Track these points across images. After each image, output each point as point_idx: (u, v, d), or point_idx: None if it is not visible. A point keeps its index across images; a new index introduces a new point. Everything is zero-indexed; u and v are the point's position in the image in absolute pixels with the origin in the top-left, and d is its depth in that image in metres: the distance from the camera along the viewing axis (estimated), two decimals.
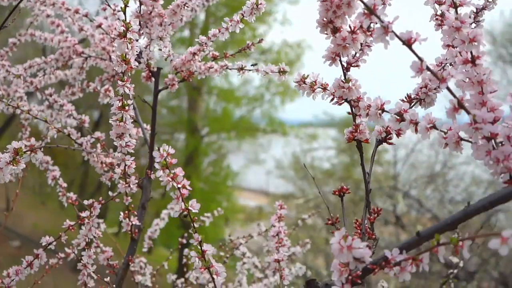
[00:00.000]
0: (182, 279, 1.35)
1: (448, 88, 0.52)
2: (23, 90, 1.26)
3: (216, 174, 11.86)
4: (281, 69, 0.83)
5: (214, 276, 0.64)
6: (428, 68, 0.51)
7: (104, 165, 1.02)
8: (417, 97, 0.69)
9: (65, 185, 1.10)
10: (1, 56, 1.24)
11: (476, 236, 0.44)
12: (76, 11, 1.11)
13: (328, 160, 10.02)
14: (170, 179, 0.62)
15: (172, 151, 0.62)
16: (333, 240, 0.50)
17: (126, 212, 0.96)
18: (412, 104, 0.69)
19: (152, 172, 0.97)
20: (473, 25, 0.73)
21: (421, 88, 0.69)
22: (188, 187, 0.63)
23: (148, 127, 1.11)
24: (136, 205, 1.01)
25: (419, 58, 0.51)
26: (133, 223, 0.98)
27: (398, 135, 0.67)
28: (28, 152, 0.67)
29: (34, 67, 1.19)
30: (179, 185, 0.62)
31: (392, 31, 0.50)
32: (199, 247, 0.65)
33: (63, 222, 0.93)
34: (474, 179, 7.20)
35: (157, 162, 0.61)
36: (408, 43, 0.51)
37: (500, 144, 0.52)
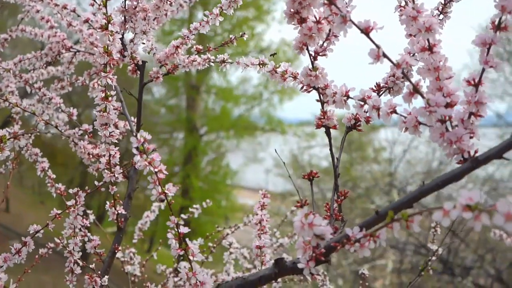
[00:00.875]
0: (171, 269, 1.38)
1: (404, 74, 0.55)
2: (14, 85, 1.29)
3: (215, 173, 11.89)
4: (261, 62, 0.86)
5: (191, 257, 0.67)
6: (384, 55, 0.54)
7: (91, 156, 1.05)
8: (386, 85, 0.72)
9: (53, 176, 1.13)
10: None
11: (423, 210, 0.47)
12: (64, 7, 1.14)
13: (326, 158, 10.06)
14: (147, 164, 0.65)
15: (149, 137, 0.65)
16: (296, 218, 0.53)
17: (112, 201, 0.99)
18: (381, 92, 0.72)
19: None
20: (441, 16, 0.76)
21: (389, 77, 0.72)
22: (165, 172, 0.66)
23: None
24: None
25: (376, 46, 0.54)
26: (119, 212, 1.00)
27: (367, 122, 0.70)
28: (12, 139, 0.71)
29: (24, 61, 1.22)
30: (156, 170, 0.65)
31: (350, 20, 0.53)
32: (176, 229, 0.68)
33: (62, 221, 0.96)
34: (469, 176, 7.24)
35: (135, 148, 0.64)
36: (366, 31, 0.54)
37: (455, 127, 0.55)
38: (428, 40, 0.57)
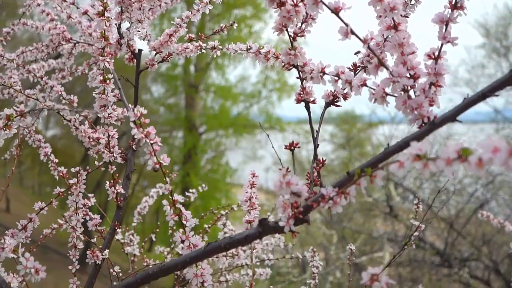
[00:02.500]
0: (168, 249, 1.44)
1: (369, 48, 0.61)
2: (17, 77, 1.35)
3: (214, 171, 11.95)
4: (248, 47, 0.93)
5: (184, 222, 0.74)
6: (352, 32, 0.60)
7: (91, 140, 1.11)
8: (362, 64, 0.78)
9: (56, 160, 1.19)
10: None
11: (383, 165, 0.53)
12: (64, 0, 1.20)
13: (326, 155, 10.13)
14: (144, 136, 0.71)
15: (144, 111, 0.71)
16: (275, 178, 0.60)
17: (112, 181, 1.06)
18: (358, 71, 0.79)
19: (134, 143, 1.06)
20: (413, 1, 0.83)
21: (364, 57, 0.78)
22: (159, 143, 0.72)
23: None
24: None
25: (345, 24, 0.60)
26: (118, 191, 1.07)
27: (344, 98, 0.77)
28: (18, 117, 0.77)
29: (26, 53, 1.28)
30: (152, 141, 0.72)
31: (321, 1, 0.60)
32: (170, 197, 0.74)
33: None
34: (466, 171, 7.31)
35: (132, 121, 0.71)
36: (336, 11, 0.60)
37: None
38: (393, 19, 0.63)
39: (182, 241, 0.74)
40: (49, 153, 1.22)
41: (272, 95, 12.38)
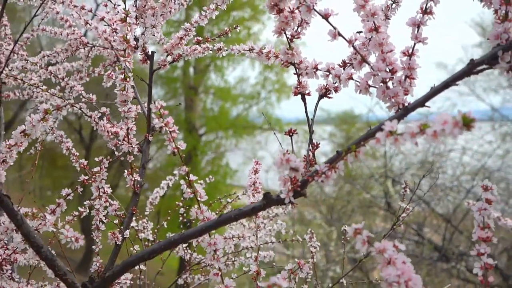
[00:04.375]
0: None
1: (354, 48, 0.73)
2: (37, 78, 1.48)
3: (215, 172, 12.04)
4: (251, 48, 1.05)
5: (198, 198, 0.86)
6: (339, 34, 0.73)
7: (109, 134, 1.23)
8: (350, 62, 0.90)
9: (77, 154, 1.32)
10: (18, 49, 1.46)
11: (364, 141, 0.65)
12: (82, 8, 1.32)
13: (326, 154, 10.24)
14: (164, 125, 0.84)
15: (164, 104, 0.84)
16: (276, 157, 0.72)
17: (130, 169, 1.18)
18: (347, 67, 0.91)
19: (151, 135, 1.18)
20: (394, 5, 0.95)
21: (352, 55, 0.90)
22: (177, 131, 0.84)
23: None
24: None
25: (333, 27, 0.73)
26: (136, 179, 1.19)
27: (335, 91, 0.89)
28: (55, 111, 0.89)
29: (47, 57, 1.41)
30: (171, 130, 0.84)
31: (313, 9, 0.72)
32: (186, 177, 0.87)
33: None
34: (464, 167, 7.45)
35: (153, 112, 0.83)
36: (326, 17, 0.72)
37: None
38: (374, 22, 0.75)
39: (197, 215, 0.86)
40: (70, 147, 1.34)
41: (271, 96, 12.52)
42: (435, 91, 0.68)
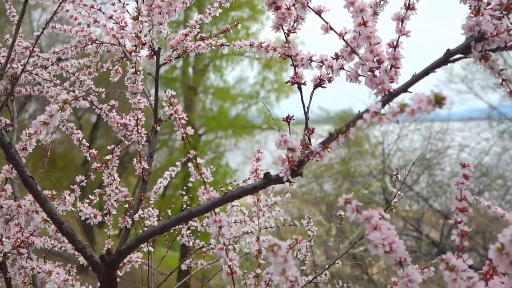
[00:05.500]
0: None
1: (344, 40, 0.82)
2: (47, 74, 1.56)
3: (214, 172, 12.13)
4: (251, 43, 1.13)
5: (205, 179, 0.94)
6: (331, 28, 0.81)
7: (119, 125, 1.32)
8: (342, 54, 0.98)
9: (87, 144, 1.40)
10: (30, 46, 1.54)
11: (353, 123, 0.73)
12: (92, 6, 1.40)
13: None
14: (173, 112, 0.92)
15: (174, 93, 0.92)
16: (275, 138, 0.80)
17: (139, 158, 1.26)
18: (339, 58, 0.99)
19: (158, 125, 1.26)
20: (382, 2, 1.03)
21: (344, 47, 0.98)
22: (185, 118, 0.93)
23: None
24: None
25: (326, 22, 0.81)
26: (144, 167, 1.27)
27: (329, 81, 0.97)
28: (74, 100, 0.97)
29: (57, 53, 1.49)
30: (180, 116, 0.92)
31: (308, 6, 0.80)
32: (194, 160, 0.95)
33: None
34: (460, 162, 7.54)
35: (164, 100, 0.91)
36: (319, 13, 0.81)
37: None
38: (362, 17, 0.83)
39: (203, 195, 0.94)
40: (81, 138, 1.42)
41: (270, 96, 12.61)
42: (416, 78, 0.77)
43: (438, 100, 0.58)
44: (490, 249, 0.59)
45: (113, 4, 1.39)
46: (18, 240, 1.17)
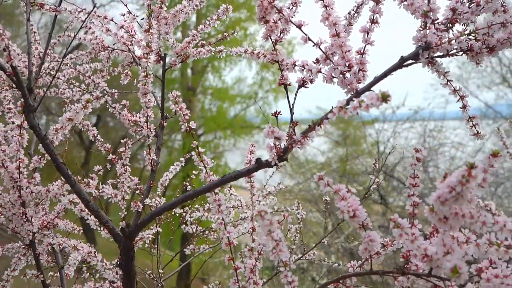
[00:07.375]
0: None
1: (320, 49, 1.00)
2: (64, 77, 1.74)
3: (214, 172, 12.28)
4: (246, 50, 1.31)
5: (206, 165, 1.12)
6: (309, 39, 0.99)
7: (130, 121, 1.50)
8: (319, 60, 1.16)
9: (102, 139, 1.58)
10: (49, 51, 1.72)
11: (326, 117, 0.91)
12: (105, 17, 1.58)
13: (324, 153, 10.52)
14: (178, 110, 1.10)
15: (179, 93, 1.10)
16: (264, 129, 0.98)
17: (148, 150, 1.44)
18: (320, 63, 1.17)
19: (165, 121, 1.45)
20: (355, 14, 1.21)
21: (322, 54, 1.16)
22: (188, 114, 1.11)
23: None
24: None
25: (305, 34, 0.99)
26: (153, 158, 1.45)
27: (311, 82, 1.15)
28: (95, 100, 1.15)
29: (74, 58, 1.67)
30: (184, 113, 1.10)
31: (290, 20, 0.98)
32: (197, 149, 1.13)
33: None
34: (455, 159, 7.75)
35: (170, 100, 1.09)
36: (299, 26, 0.99)
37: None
38: (335, 29, 1.02)
39: (205, 177, 1.12)
40: (96, 134, 1.60)
41: (269, 96, 12.79)
42: (376, 80, 0.95)
43: (384, 97, 0.76)
44: (425, 209, 0.77)
45: (123, 15, 1.57)
46: (44, 221, 1.35)
